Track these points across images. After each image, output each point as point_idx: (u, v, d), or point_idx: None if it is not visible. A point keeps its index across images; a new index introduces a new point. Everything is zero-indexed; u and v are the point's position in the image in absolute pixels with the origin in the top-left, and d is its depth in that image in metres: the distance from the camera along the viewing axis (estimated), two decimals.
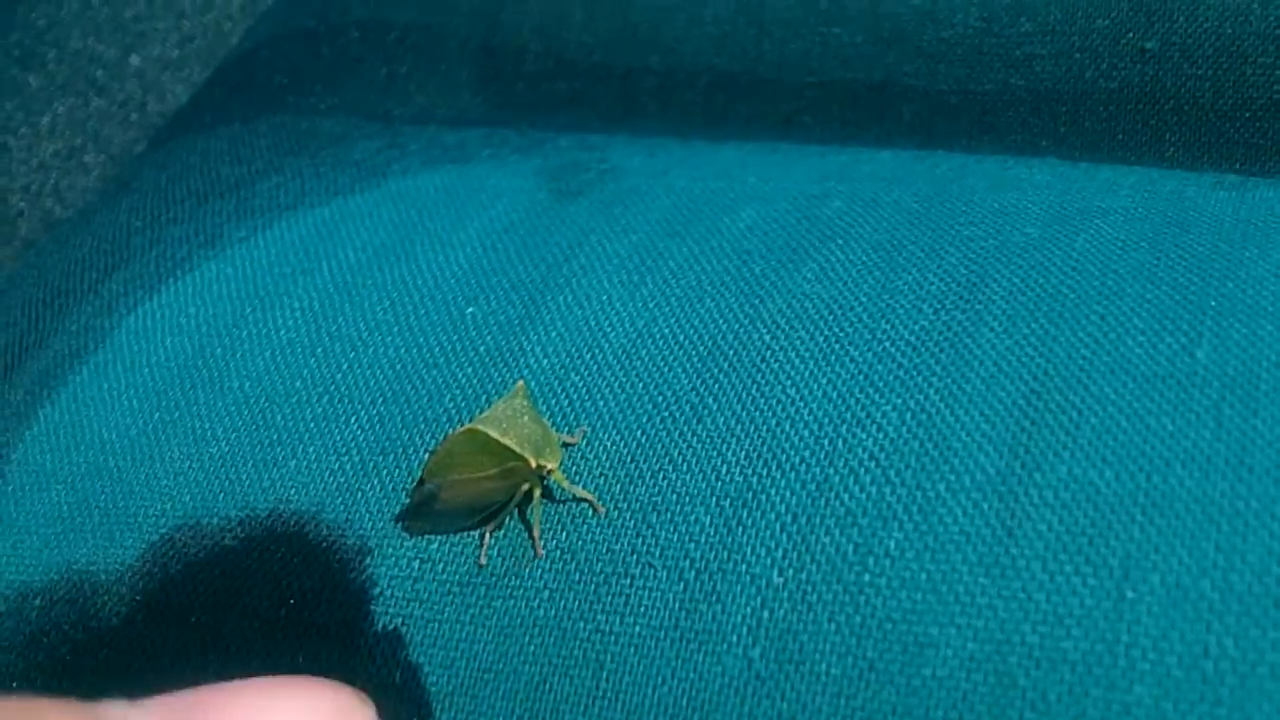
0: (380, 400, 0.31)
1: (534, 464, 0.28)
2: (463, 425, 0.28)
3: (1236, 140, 0.35)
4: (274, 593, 0.28)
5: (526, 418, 0.28)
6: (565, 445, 0.29)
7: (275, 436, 0.31)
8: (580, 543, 0.27)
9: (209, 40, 0.59)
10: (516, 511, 0.28)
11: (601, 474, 0.28)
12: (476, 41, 0.48)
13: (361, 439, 0.30)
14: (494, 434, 0.28)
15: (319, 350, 0.33)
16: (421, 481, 0.28)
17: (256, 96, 0.49)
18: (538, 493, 0.28)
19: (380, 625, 0.27)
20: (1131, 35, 0.38)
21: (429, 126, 0.45)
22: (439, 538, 0.28)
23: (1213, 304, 0.27)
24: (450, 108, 0.47)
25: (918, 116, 0.41)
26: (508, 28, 0.48)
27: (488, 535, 0.28)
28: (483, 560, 0.28)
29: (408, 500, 0.29)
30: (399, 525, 0.29)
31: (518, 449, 0.27)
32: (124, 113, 0.57)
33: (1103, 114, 0.38)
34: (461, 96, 0.48)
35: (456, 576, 0.27)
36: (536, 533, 0.28)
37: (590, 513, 0.28)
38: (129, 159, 0.57)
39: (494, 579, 0.27)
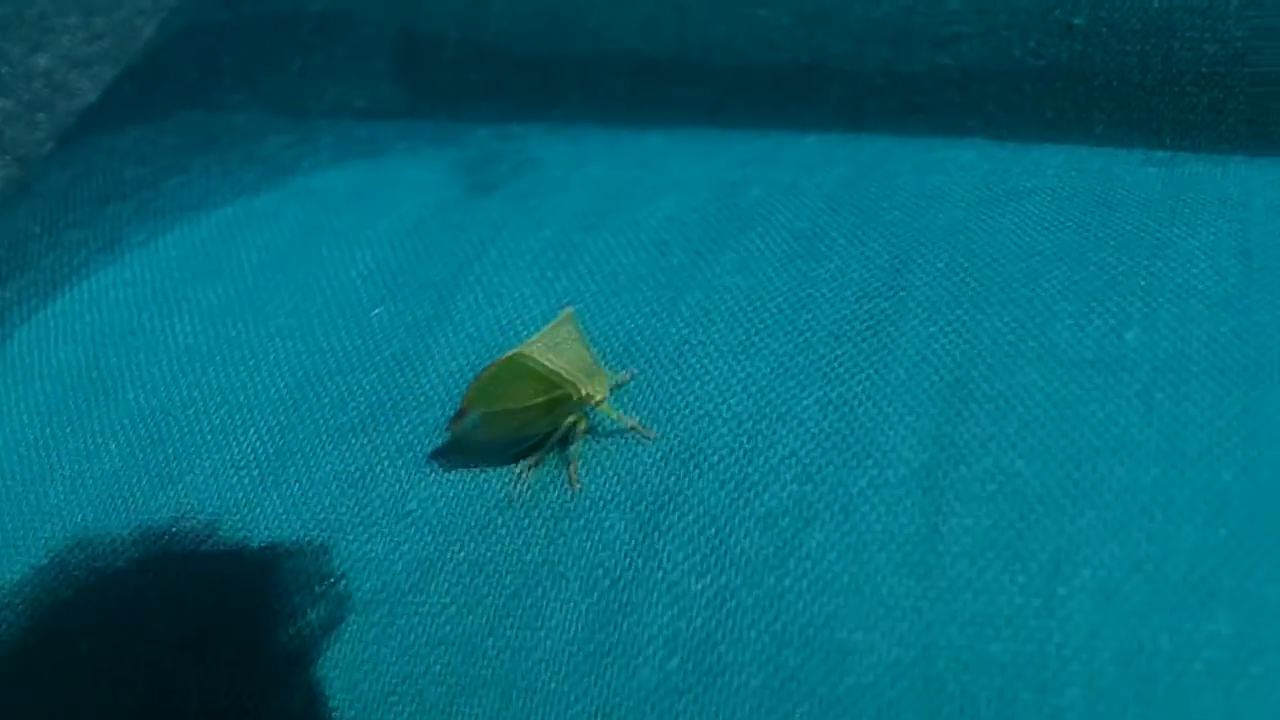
0: (281, 409, 0.29)
1: (582, 392, 0.26)
2: (505, 354, 0.27)
3: (1165, 115, 0.34)
4: (168, 616, 0.27)
5: (574, 344, 0.27)
6: (615, 386, 0.27)
7: (171, 450, 0.29)
8: (489, 554, 0.26)
9: (120, 37, 0.57)
10: (517, 464, 0.27)
11: (511, 479, 0.27)
12: (393, 30, 0.46)
13: (261, 450, 0.29)
14: (539, 359, 0.26)
15: (217, 358, 0.31)
16: (462, 412, 0.27)
17: (167, 93, 0.47)
18: (582, 426, 0.27)
19: (280, 647, 0.26)
20: (1059, 11, 0.37)
21: (343, 120, 0.44)
22: (339, 550, 0.27)
23: (1141, 284, 0.26)
24: (367, 100, 0.46)
25: (846, 98, 0.40)
26: (425, 16, 0.46)
27: (526, 473, 0.27)
28: (517, 496, 0.26)
29: (447, 432, 0.28)
30: (435, 460, 0.27)
31: (565, 376, 0.26)
32: (30, 114, 0.55)
33: (1031, 92, 0.37)
34: (378, 88, 0.46)
35: (359, 593, 0.26)
36: (574, 469, 0.26)
37: (500, 520, 0.26)
38: (36, 161, 0.55)
39: (398, 595, 0.26)
